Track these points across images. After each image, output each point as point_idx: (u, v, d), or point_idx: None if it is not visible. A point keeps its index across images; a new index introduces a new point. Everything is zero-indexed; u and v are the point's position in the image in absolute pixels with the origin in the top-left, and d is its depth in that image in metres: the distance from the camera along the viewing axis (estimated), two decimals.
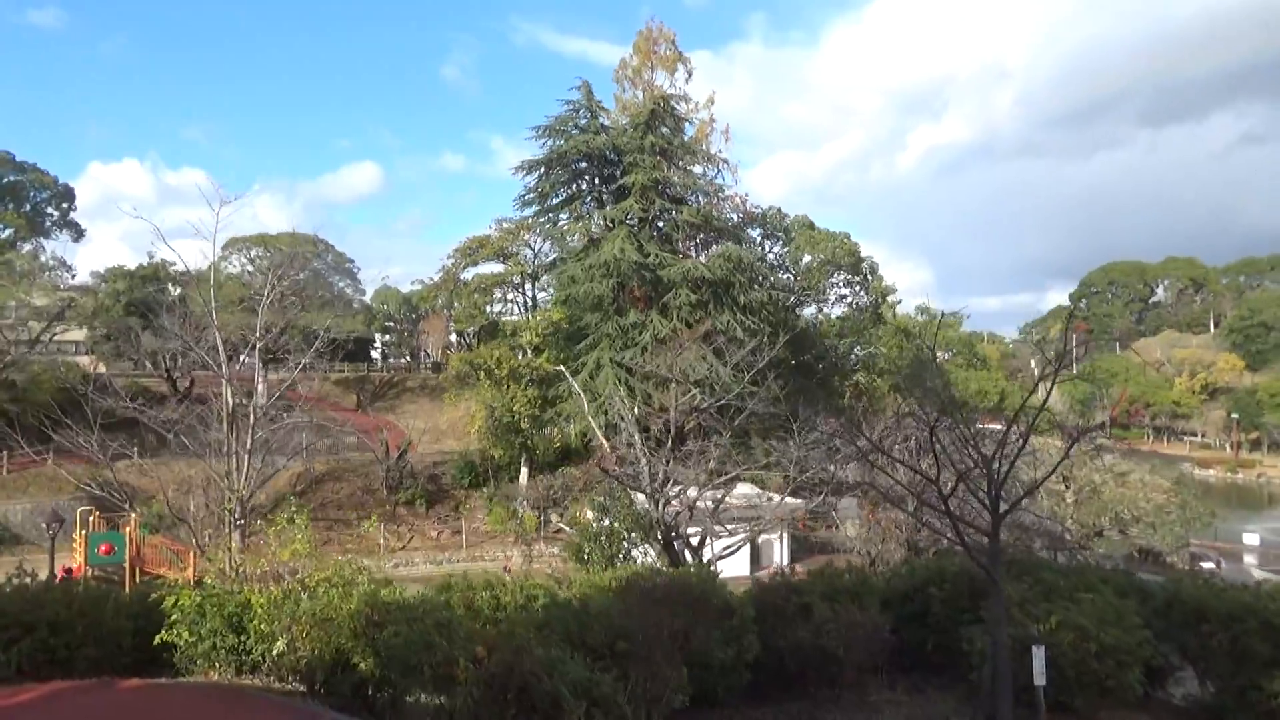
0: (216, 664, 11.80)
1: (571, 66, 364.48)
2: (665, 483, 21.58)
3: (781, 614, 14.69)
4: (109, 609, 13.89)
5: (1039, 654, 12.11)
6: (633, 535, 19.46)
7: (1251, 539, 54.68)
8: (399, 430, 54.47)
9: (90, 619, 13.31)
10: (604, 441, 23.55)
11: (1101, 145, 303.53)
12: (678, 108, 50.42)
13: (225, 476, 15.57)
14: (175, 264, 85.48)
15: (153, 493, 44.53)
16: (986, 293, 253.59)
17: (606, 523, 19.23)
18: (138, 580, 35.31)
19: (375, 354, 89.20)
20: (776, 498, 26.67)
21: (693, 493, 22.68)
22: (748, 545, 29.36)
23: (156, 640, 12.03)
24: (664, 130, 49.08)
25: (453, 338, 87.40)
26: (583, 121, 49.17)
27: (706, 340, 46.45)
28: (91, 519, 36.14)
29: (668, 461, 21.54)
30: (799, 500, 32.36)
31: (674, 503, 21.17)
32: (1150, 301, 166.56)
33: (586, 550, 19.18)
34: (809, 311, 56.62)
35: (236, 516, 15.17)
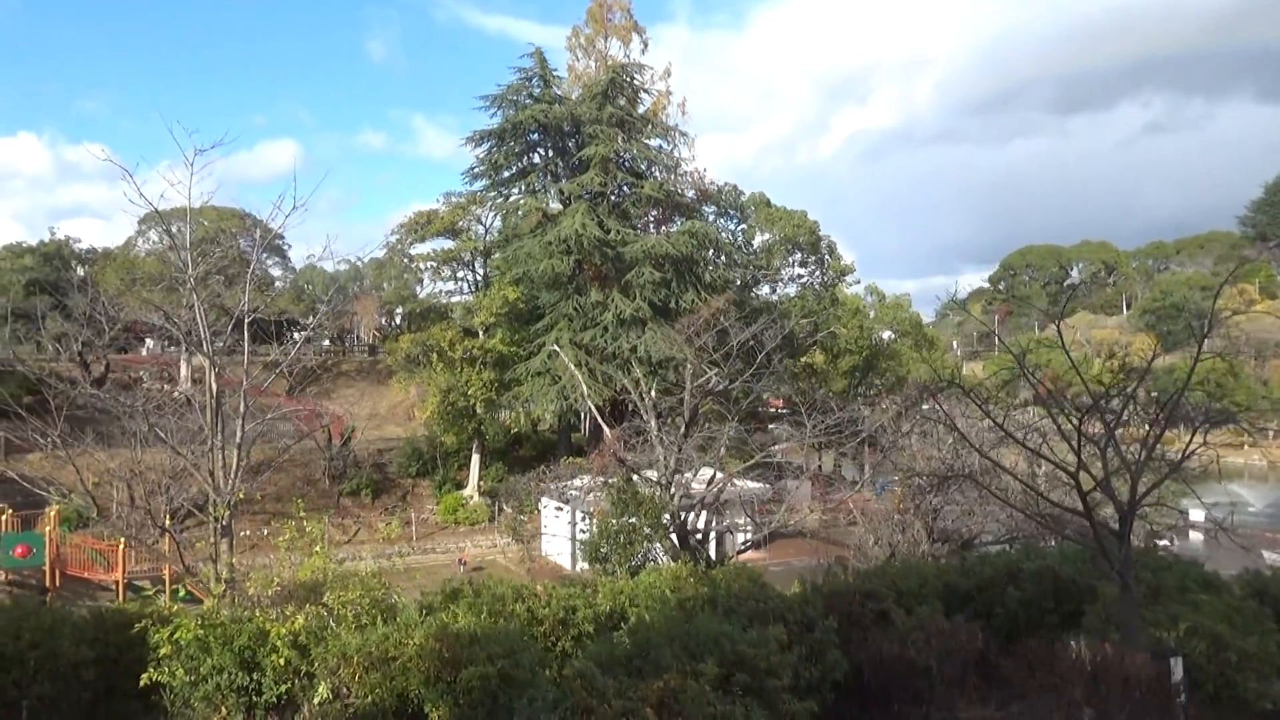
0: (223, 708, 9.61)
1: (494, 44, 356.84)
2: (677, 471, 19.84)
3: (857, 622, 13.11)
4: (66, 637, 11.59)
5: (1177, 666, 10.78)
6: (654, 532, 17.65)
7: (1197, 515, 55.82)
8: (339, 417, 51.41)
9: (43, 650, 11.07)
10: (608, 431, 21.62)
11: (1017, 132, 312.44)
12: (634, 78, 48.31)
13: (209, 475, 13.14)
14: (79, 240, 79.85)
15: (71, 486, 40.85)
16: (903, 275, 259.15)
17: (627, 519, 17.36)
18: (58, 585, 32.00)
19: (299, 336, 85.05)
20: (738, 482, 25.17)
21: (699, 483, 21.02)
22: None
23: (143, 680, 9.78)
24: (622, 102, 46.96)
25: (385, 320, 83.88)
26: (536, 91, 46.65)
27: (670, 320, 44.78)
28: (3, 518, 32.60)
29: (680, 449, 19.77)
30: (760, 485, 31.03)
31: (691, 493, 19.46)
32: (1065, 284, 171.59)
33: (605, 550, 17.30)
34: (764, 291, 55.40)
35: (224, 521, 12.80)
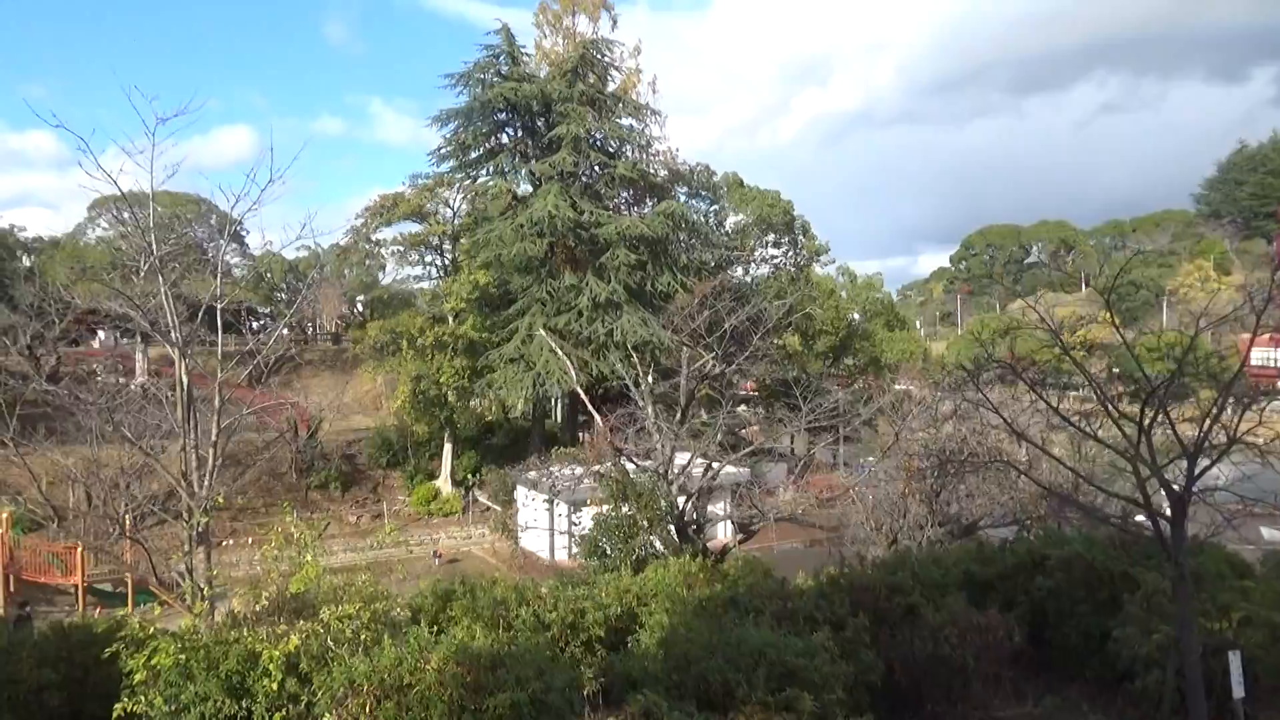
0: None
1: (453, 28, 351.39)
2: (672, 460, 18.98)
3: (884, 618, 12.34)
4: (25, 661, 10.54)
5: (1235, 660, 10.15)
6: (652, 524, 16.77)
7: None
8: (304, 408, 49.79)
9: (1, 676, 10.04)
10: (598, 418, 20.67)
11: (976, 113, 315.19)
12: (605, 55, 47.04)
13: (181, 477, 11.98)
14: (25, 229, 76.65)
15: (22, 488, 39.00)
16: (864, 256, 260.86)
17: (627, 511, 16.46)
18: (12, 589, 30.40)
19: (271, 324, 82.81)
20: (716, 465, 24.43)
21: (696, 471, 20.17)
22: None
23: (116, 711, 8.68)
24: (592, 79, 45.70)
25: (348, 308, 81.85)
26: (504, 69, 45.18)
27: (646, 303, 43.85)
28: None
29: (676, 436, 18.90)
30: (742, 469, 30.34)
31: (688, 481, 18.62)
32: (1025, 263, 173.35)
33: (606, 545, 16.39)
34: (738, 272, 54.60)
35: (200, 528, 11.66)
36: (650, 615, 12.33)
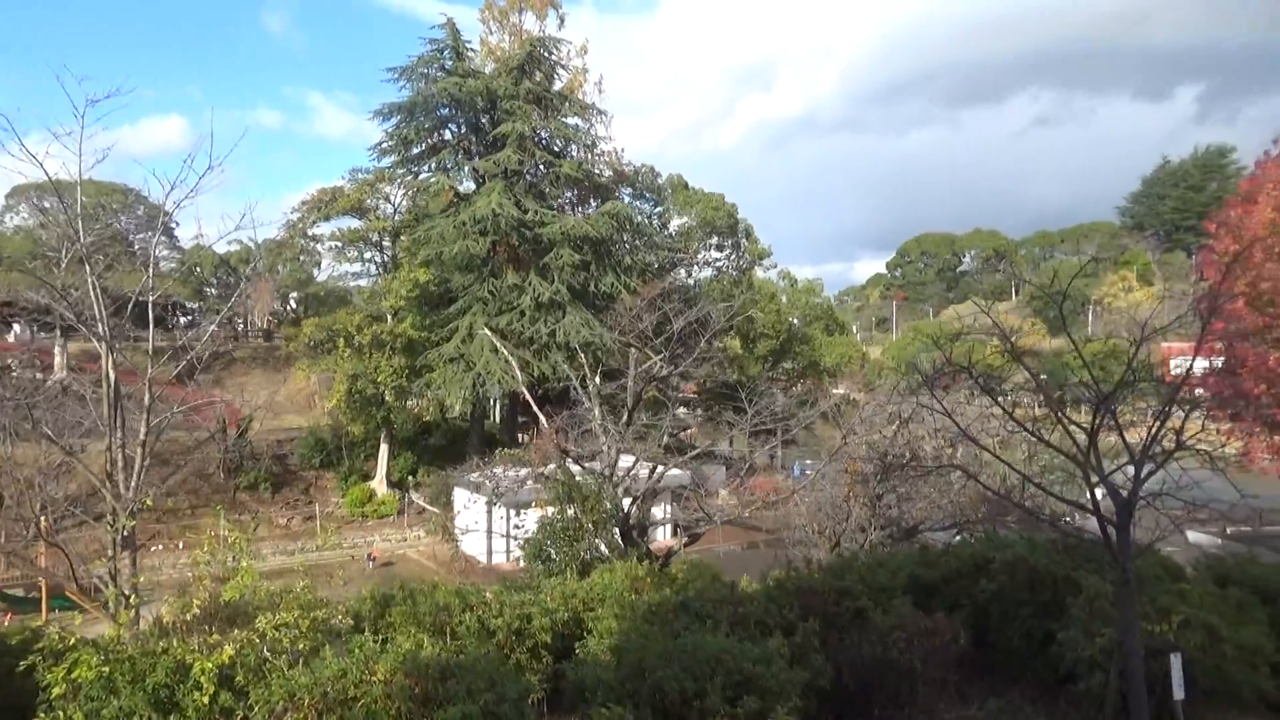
0: None
1: (396, 22, 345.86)
2: (617, 462, 18.76)
3: (834, 622, 12.30)
4: None
5: (1176, 662, 10.34)
6: (598, 527, 16.51)
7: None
8: (233, 406, 48.26)
9: None
10: (543, 419, 20.34)
11: (915, 123, 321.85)
12: (552, 53, 46.61)
13: (106, 478, 11.33)
14: None
15: None
16: (803, 261, 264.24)
17: (571, 513, 16.15)
18: None
19: (184, 320, 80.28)
20: (662, 467, 24.36)
21: (641, 473, 19.99)
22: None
23: None
24: (539, 77, 45.24)
25: (281, 304, 79.87)
26: (448, 64, 44.42)
27: (589, 304, 43.54)
28: None
29: (622, 438, 18.67)
30: (683, 472, 30.31)
31: (633, 483, 18.40)
32: (959, 270, 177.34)
33: (551, 549, 16.06)
34: (681, 274, 54.62)
35: (125, 530, 11.04)
36: (598, 621, 12.10)
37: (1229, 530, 28.48)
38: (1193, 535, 26.73)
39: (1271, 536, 28.35)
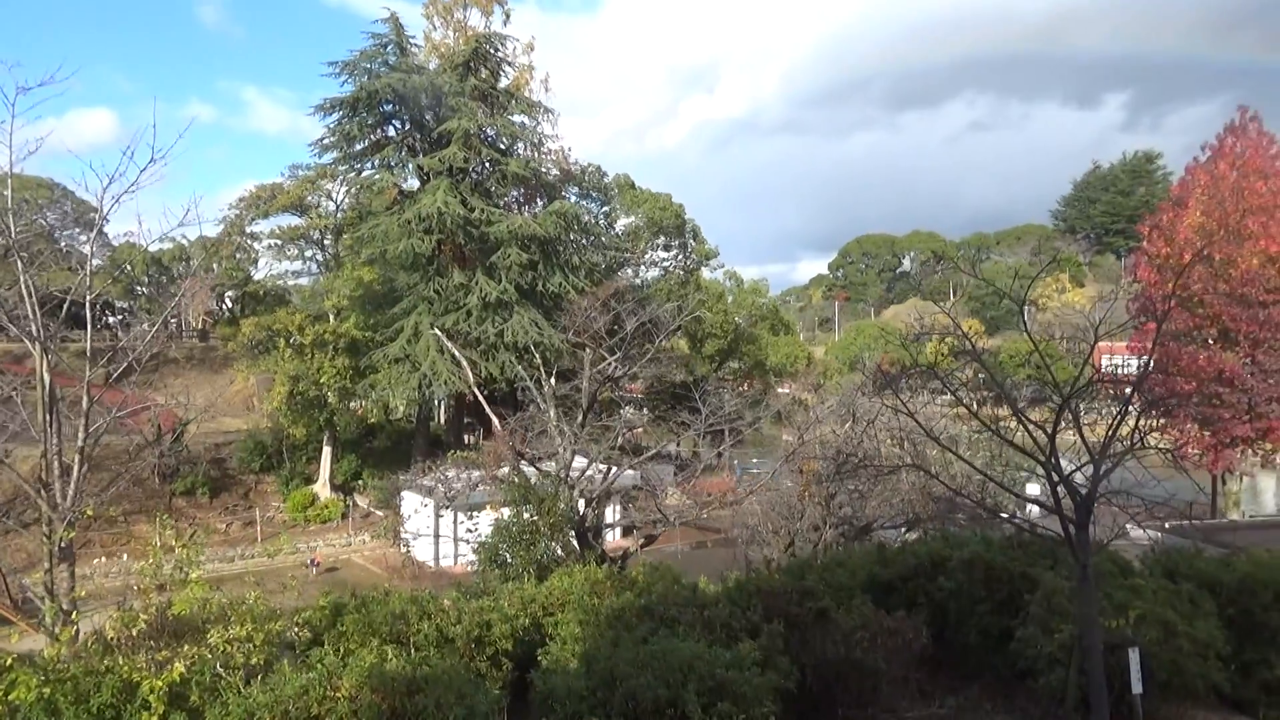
0: None
1: (334, 16, 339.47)
2: (571, 463, 18.54)
3: (797, 624, 12.24)
4: None
5: (1134, 656, 10.50)
6: (553, 530, 16.25)
7: (1033, 489, 58.90)
8: (168, 409, 46.69)
9: None
10: (497, 421, 19.99)
11: (855, 125, 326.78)
12: (497, 50, 46.05)
13: (41, 486, 10.74)
14: None
15: None
16: (746, 262, 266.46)
17: (527, 516, 15.87)
18: None
19: (114, 320, 77.66)
20: (617, 469, 24.26)
21: (596, 474, 19.80)
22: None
23: None
24: (484, 74, 44.66)
25: (217, 304, 77.76)
26: (391, 59, 43.58)
27: (537, 304, 43.14)
28: None
29: (576, 439, 18.45)
30: (633, 473, 30.23)
31: (589, 485, 18.20)
32: (898, 271, 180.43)
33: (506, 553, 15.75)
34: (628, 274, 54.52)
35: (62, 541, 10.48)
36: (560, 627, 11.86)
37: (1167, 525, 29.33)
38: (1134, 530, 27.37)
39: (1208, 530, 29.23)
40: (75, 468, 10.48)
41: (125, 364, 12.63)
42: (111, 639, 8.28)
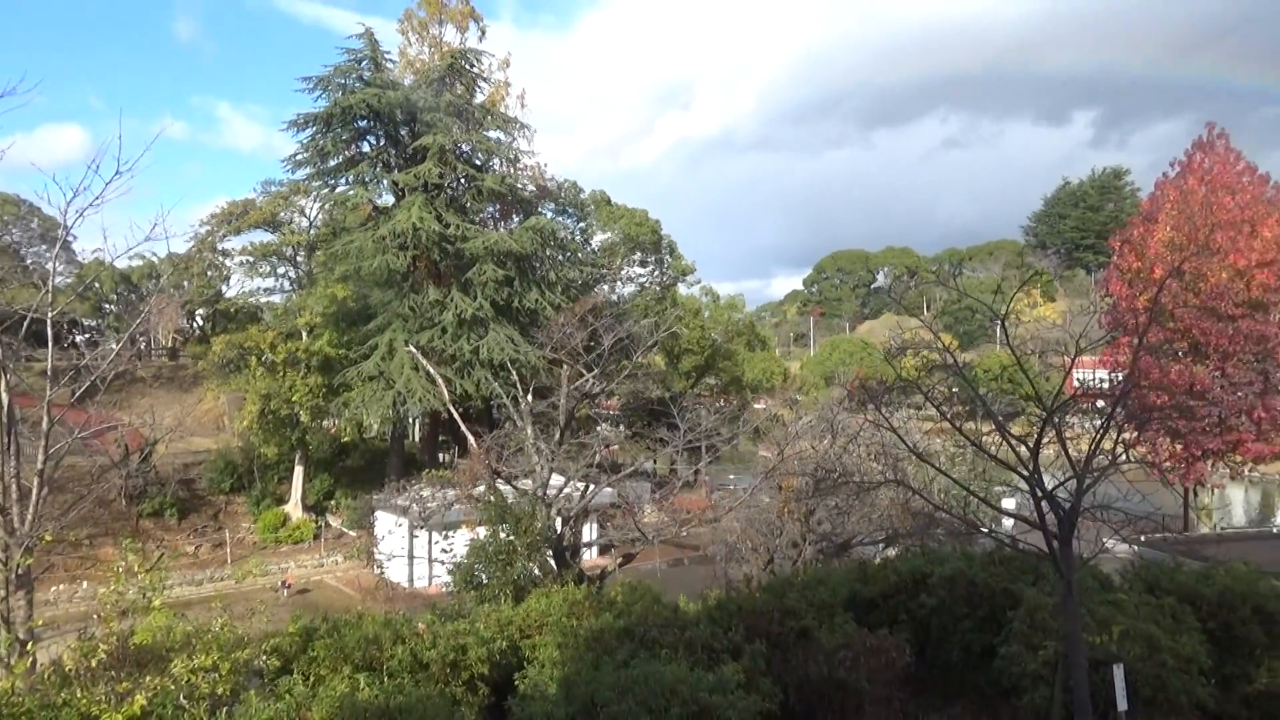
0: None
1: (309, 33, 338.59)
2: (549, 481, 18.29)
3: (779, 643, 12.08)
4: None
5: (1119, 673, 10.40)
6: (530, 550, 15.99)
7: (1009, 503, 59.09)
8: (135, 429, 45.85)
9: None
10: (472, 439, 19.70)
11: (829, 142, 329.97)
12: (473, 65, 45.94)
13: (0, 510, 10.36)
14: None
15: None
16: (722, 278, 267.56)
17: (503, 535, 15.59)
18: None
19: (81, 338, 76.42)
20: (594, 486, 24.03)
21: (574, 492, 19.54)
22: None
23: None
24: (460, 90, 44.52)
25: (187, 321, 76.75)
26: (366, 74, 43.32)
27: (513, 320, 42.88)
28: None
29: (554, 457, 18.21)
30: (609, 490, 29.99)
31: (566, 503, 17.94)
32: (873, 287, 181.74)
33: (482, 573, 15.45)
34: (604, 290, 54.37)
35: (20, 569, 10.09)
36: (539, 650, 11.61)
37: (1143, 538, 29.49)
38: (1112, 544, 27.47)
39: (1183, 543, 29.38)
40: (35, 490, 10.11)
41: (88, 383, 12.25)
42: (70, 670, 7.94)
